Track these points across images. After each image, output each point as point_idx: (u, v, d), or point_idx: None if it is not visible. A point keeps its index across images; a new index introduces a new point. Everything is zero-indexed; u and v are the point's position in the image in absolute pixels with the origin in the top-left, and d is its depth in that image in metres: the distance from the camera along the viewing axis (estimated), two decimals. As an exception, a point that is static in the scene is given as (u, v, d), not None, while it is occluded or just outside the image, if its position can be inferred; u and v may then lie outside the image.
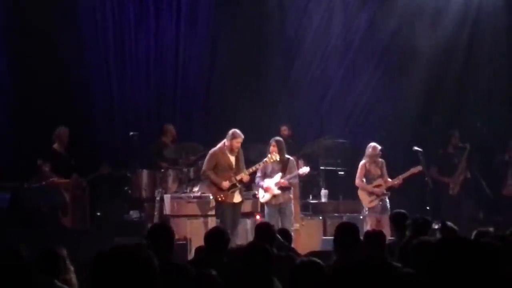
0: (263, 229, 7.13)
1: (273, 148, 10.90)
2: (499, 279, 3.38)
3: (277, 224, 10.26)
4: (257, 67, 14.31)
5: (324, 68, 14.55)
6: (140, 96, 13.85)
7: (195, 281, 4.60)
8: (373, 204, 11.40)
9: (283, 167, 11.03)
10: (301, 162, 12.74)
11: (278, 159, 10.87)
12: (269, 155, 10.88)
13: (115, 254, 2.90)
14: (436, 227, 9.45)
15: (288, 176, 10.96)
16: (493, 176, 13.45)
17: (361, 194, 11.56)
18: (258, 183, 11.11)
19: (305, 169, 11.25)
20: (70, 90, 13.03)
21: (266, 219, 10.75)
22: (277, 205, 10.93)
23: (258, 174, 11.06)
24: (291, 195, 11.11)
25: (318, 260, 4.66)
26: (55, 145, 11.96)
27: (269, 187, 10.94)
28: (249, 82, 14.16)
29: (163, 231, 5.85)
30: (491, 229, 7.95)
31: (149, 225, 11.37)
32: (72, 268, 5.89)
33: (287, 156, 11.13)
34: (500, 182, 13.29)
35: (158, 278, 2.90)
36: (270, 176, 11.01)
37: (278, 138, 11.19)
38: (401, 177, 11.46)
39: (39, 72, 12.73)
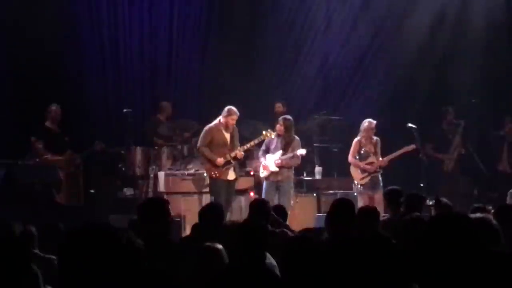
0: (258, 206, 7.14)
1: (279, 127, 10.92)
2: (487, 255, 3.37)
3: (273, 201, 10.27)
4: (251, 44, 14.25)
5: (319, 44, 14.50)
6: (133, 73, 13.78)
7: (200, 255, 4.60)
8: (364, 180, 11.42)
9: (287, 145, 11.03)
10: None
11: (273, 137, 10.88)
12: (264, 132, 10.88)
13: (83, 232, 2.87)
14: (430, 203, 9.47)
15: (285, 156, 10.95)
16: (488, 152, 13.46)
17: (353, 171, 11.58)
18: (259, 157, 11.14)
19: (301, 151, 11.23)
20: (63, 67, 12.95)
21: (262, 195, 10.79)
22: (274, 182, 10.95)
23: (263, 147, 11.10)
24: (291, 174, 11.11)
25: (311, 236, 4.66)
26: (48, 123, 11.92)
27: (266, 166, 10.95)
28: (243, 59, 14.11)
29: (154, 207, 5.61)
30: (489, 207, 7.97)
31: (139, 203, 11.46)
32: None
33: (294, 135, 11.12)
34: (495, 158, 13.30)
35: (128, 257, 2.87)
36: (273, 152, 11.02)
37: (287, 116, 11.20)
38: (393, 155, 11.45)
39: (32, 50, 12.64)
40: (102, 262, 2.73)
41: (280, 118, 11.10)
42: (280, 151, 10.98)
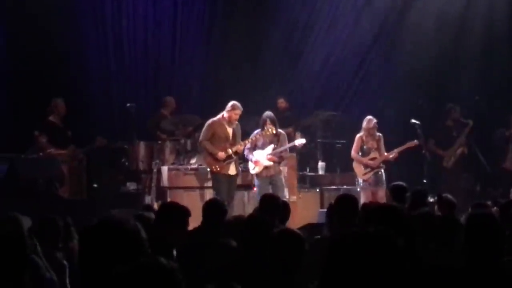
0: (268, 201, 7.12)
1: (269, 125, 10.86)
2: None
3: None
4: (255, 39, 14.24)
5: (322, 40, 14.48)
6: (137, 67, 13.79)
7: (215, 249, 4.61)
8: (367, 176, 11.43)
9: (276, 140, 11.01)
10: (298, 134, 12.74)
11: (274, 132, 10.85)
12: (265, 128, 10.84)
13: (102, 226, 2.89)
14: (432, 200, 9.46)
15: (277, 150, 10.94)
16: (491, 150, 13.43)
17: (356, 166, 11.58)
18: (247, 155, 11.08)
19: (301, 141, 11.25)
20: (67, 60, 12.97)
21: (257, 192, 10.77)
22: (268, 177, 10.93)
23: (248, 146, 11.02)
24: (281, 168, 11.11)
25: (298, 231, 4.69)
26: (52, 117, 11.90)
27: (258, 161, 10.92)
28: (246, 54, 14.10)
29: (175, 211, 5.58)
30: (489, 202, 7.97)
31: (149, 196, 11.45)
32: (76, 237, 5.95)
33: (279, 130, 11.11)
34: (498, 156, 13.26)
35: (146, 250, 2.89)
36: (262, 148, 10.98)
37: (269, 113, 11.10)
38: (396, 150, 11.46)
39: (35, 43, 12.65)
40: (120, 255, 2.75)
41: (265, 117, 10.96)
42: (272, 146, 10.95)
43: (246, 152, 11.07)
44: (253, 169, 11.04)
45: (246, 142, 10.94)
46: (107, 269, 2.71)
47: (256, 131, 10.99)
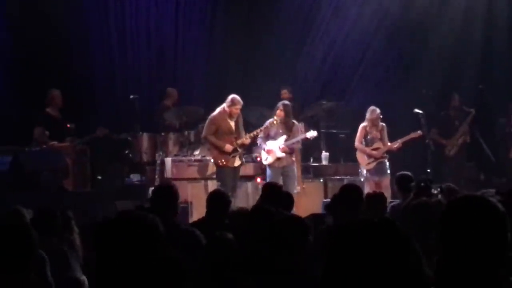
0: (270, 189, 7.12)
1: (280, 112, 10.87)
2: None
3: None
4: (258, 30, 14.21)
5: (326, 30, 14.45)
6: (140, 59, 13.78)
7: (211, 244, 4.61)
8: (370, 166, 11.43)
9: (288, 130, 11.01)
10: (301, 125, 12.72)
11: (279, 123, 10.84)
12: (270, 120, 10.83)
13: (120, 219, 2.89)
14: (435, 192, 9.45)
15: (289, 141, 10.93)
16: (494, 139, 13.41)
17: (359, 156, 11.59)
18: (260, 144, 11.09)
19: (312, 133, 11.22)
20: (70, 53, 12.96)
21: (268, 181, 10.76)
22: (280, 167, 10.92)
23: (261, 135, 11.01)
24: (294, 158, 11.11)
25: (300, 216, 4.70)
26: (49, 109, 11.76)
27: (271, 150, 10.91)
28: (249, 45, 14.09)
29: (167, 192, 5.77)
30: (491, 190, 7.96)
31: (152, 187, 11.47)
32: (77, 230, 5.96)
33: (293, 120, 11.10)
34: (502, 146, 13.23)
35: (164, 243, 2.89)
36: (274, 138, 10.98)
37: (286, 102, 11.15)
38: (400, 141, 11.45)
39: (39, 36, 12.64)
40: (138, 250, 2.76)
41: (280, 104, 11.03)
42: (284, 136, 10.94)
43: (259, 141, 11.10)
44: (265, 159, 11.01)
45: (255, 133, 10.92)
46: (124, 264, 2.72)
47: (270, 120, 10.96)
